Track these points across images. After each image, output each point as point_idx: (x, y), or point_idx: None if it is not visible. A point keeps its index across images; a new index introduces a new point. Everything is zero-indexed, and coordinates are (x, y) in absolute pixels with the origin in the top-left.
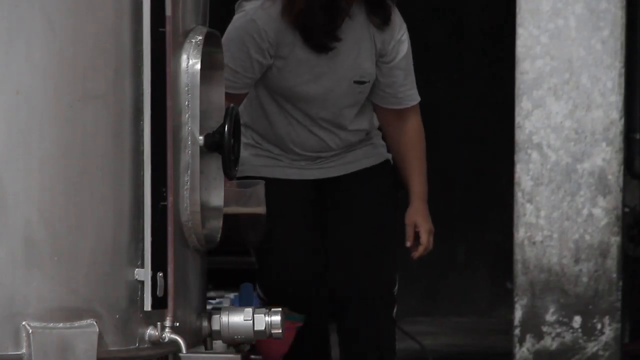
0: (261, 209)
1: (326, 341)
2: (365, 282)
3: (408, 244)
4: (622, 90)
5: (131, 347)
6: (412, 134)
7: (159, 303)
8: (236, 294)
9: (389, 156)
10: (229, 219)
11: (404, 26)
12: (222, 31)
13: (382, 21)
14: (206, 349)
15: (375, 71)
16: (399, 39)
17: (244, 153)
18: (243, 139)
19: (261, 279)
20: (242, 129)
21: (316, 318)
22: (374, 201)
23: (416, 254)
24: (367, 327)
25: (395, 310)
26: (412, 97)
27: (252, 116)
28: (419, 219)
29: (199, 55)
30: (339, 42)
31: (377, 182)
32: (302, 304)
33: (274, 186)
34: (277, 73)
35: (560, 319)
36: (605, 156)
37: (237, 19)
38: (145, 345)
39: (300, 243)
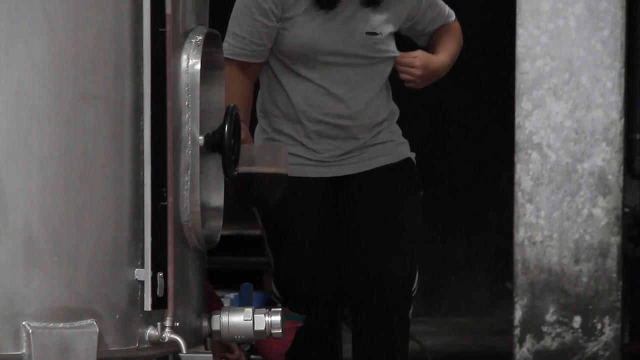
0: (284, 169)
1: (337, 338)
2: (379, 280)
3: (399, 56)
4: (622, 90)
5: (131, 347)
6: (451, 30)
7: (159, 303)
8: (236, 294)
9: (411, 155)
10: (252, 177)
11: None
12: (222, 31)
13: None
14: (206, 349)
15: (385, 28)
16: None
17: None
18: (262, 135)
19: (276, 277)
20: (261, 120)
21: (327, 316)
22: (390, 198)
23: (397, 66)
24: (381, 327)
25: (411, 311)
26: (448, 13)
27: (272, 94)
28: (421, 53)
29: (199, 55)
30: None
31: (394, 179)
32: (314, 301)
33: (291, 184)
34: (290, 35)
35: (560, 319)
36: (605, 156)
37: None
38: (145, 345)
39: (314, 242)
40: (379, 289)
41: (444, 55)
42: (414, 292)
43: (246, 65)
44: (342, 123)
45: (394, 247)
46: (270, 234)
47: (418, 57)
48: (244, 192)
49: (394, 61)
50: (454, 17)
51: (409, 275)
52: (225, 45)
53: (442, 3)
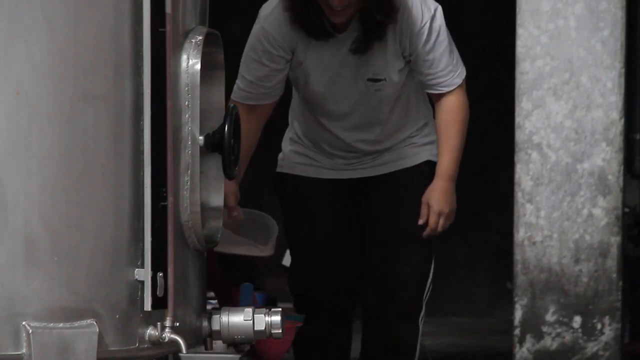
0: (268, 252)
1: (346, 339)
2: (389, 284)
3: (420, 221)
4: (622, 90)
5: (131, 347)
6: (448, 113)
7: (159, 303)
8: None
9: (430, 156)
10: (233, 259)
11: (427, 16)
12: (222, 31)
13: (358, 47)
14: (206, 349)
15: (391, 69)
16: (418, 31)
17: (287, 147)
18: (289, 134)
19: (290, 276)
20: (290, 124)
21: (336, 316)
22: (404, 202)
23: (424, 233)
24: (390, 330)
25: (422, 315)
26: (445, 83)
27: (295, 114)
28: (431, 199)
29: (199, 55)
30: (336, 24)
31: (409, 183)
32: (321, 302)
33: (306, 184)
34: (302, 80)
35: (560, 319)
36: (605, 156)
37: (254, 27)
38: (145, 345)
39: (323, 243)
40: (389, 293)
41: (445, 165)
42: (426, 297)
43: (257, 106)
44: (350, 155)
45: (405, 253)
46: (287, 232)
47: (431, 211)
48: (226, 271)
49: (408, 85)
50: (462, 78)
51: (420, 280)
52: (234, 88)
53: (454, 57)
